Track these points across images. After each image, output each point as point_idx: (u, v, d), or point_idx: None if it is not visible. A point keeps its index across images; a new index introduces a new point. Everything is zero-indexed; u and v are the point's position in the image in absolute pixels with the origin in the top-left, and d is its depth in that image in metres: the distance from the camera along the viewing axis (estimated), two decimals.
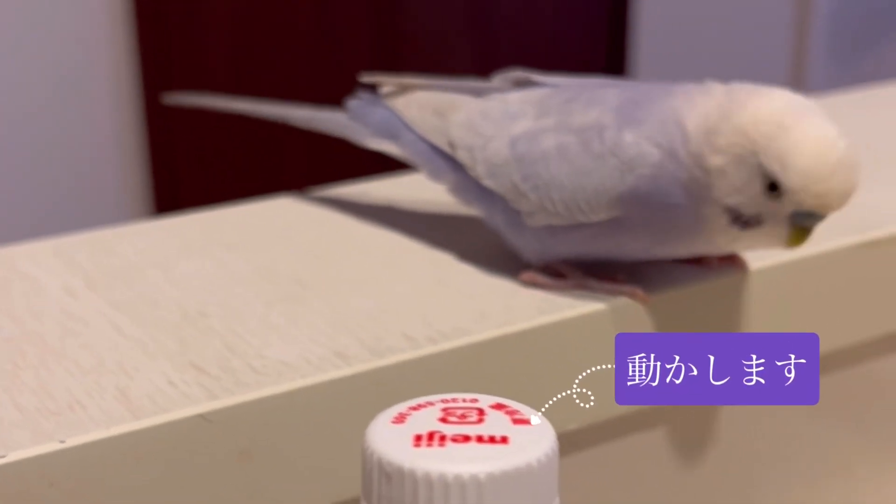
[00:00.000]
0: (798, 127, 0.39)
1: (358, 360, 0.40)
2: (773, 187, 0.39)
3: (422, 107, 0.48)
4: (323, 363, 0.40)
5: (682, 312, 0.46)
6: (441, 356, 0.41)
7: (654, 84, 0.44)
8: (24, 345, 0.41)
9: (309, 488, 0.39)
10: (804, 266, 0.49)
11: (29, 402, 0.37)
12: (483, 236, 0.49)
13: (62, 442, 0.35)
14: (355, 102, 0.52)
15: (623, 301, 0.44)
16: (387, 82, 0.51)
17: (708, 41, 2.20)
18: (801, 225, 0.40)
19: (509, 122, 0.45)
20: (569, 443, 0.45)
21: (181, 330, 0.42)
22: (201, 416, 0.37)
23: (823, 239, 0.50)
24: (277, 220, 0.54)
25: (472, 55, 1.98)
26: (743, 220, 0.40)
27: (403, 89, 0.50)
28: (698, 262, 0.47)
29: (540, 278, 0.45)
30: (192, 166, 1.78)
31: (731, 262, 0.47)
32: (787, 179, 0.38)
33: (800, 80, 2.29)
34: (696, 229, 0.42)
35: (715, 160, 0.40)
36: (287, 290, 0.46)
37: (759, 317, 0.48)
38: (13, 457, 0.34)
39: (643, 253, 0.44)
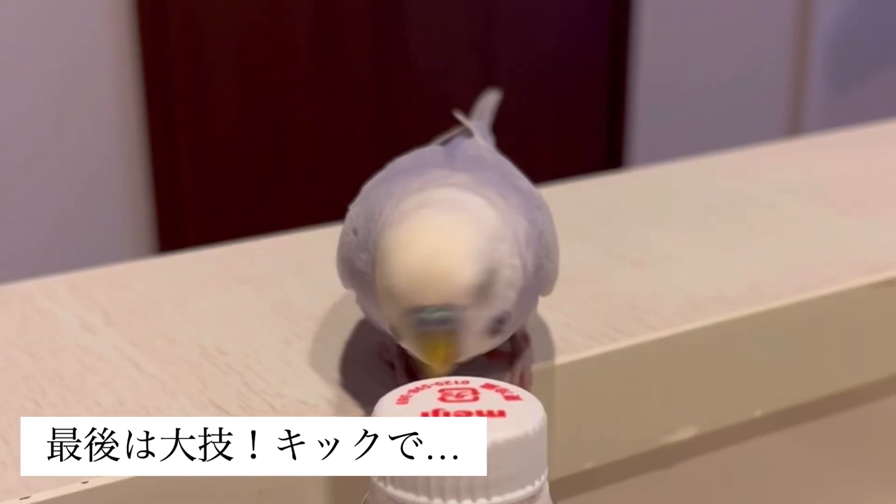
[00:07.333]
0: (393, 228, 0.33)
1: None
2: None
3: None
4: (342, 402, 0.40)
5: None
6: None
7: (463, 166, 0.38)
8: (44, 382, 0.41)
9: None
10: (818, 305, 0.49)
11: None
12: None
13: (84, 483, 0.35)
14: None
15: None
16: None
17: (708, 69, 2.21)
18: (417, 329, 0.32)
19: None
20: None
21: (200, 368, 0.43)
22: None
23: (838, 279, 0.50)
24: (291, 256, 0.54)
25: (474, 75, 1.98)
26: (397, 334, 0.34)
27: None
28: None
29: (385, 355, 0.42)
30: (198, 204, 1.78)
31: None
32: (377, 281, 0.33)
33: (799, 107, 2.31)
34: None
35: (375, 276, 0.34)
36: (303, 326, 0.46)
37: (771, 357, 0.48)
38: (36, 498, 0.35)
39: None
